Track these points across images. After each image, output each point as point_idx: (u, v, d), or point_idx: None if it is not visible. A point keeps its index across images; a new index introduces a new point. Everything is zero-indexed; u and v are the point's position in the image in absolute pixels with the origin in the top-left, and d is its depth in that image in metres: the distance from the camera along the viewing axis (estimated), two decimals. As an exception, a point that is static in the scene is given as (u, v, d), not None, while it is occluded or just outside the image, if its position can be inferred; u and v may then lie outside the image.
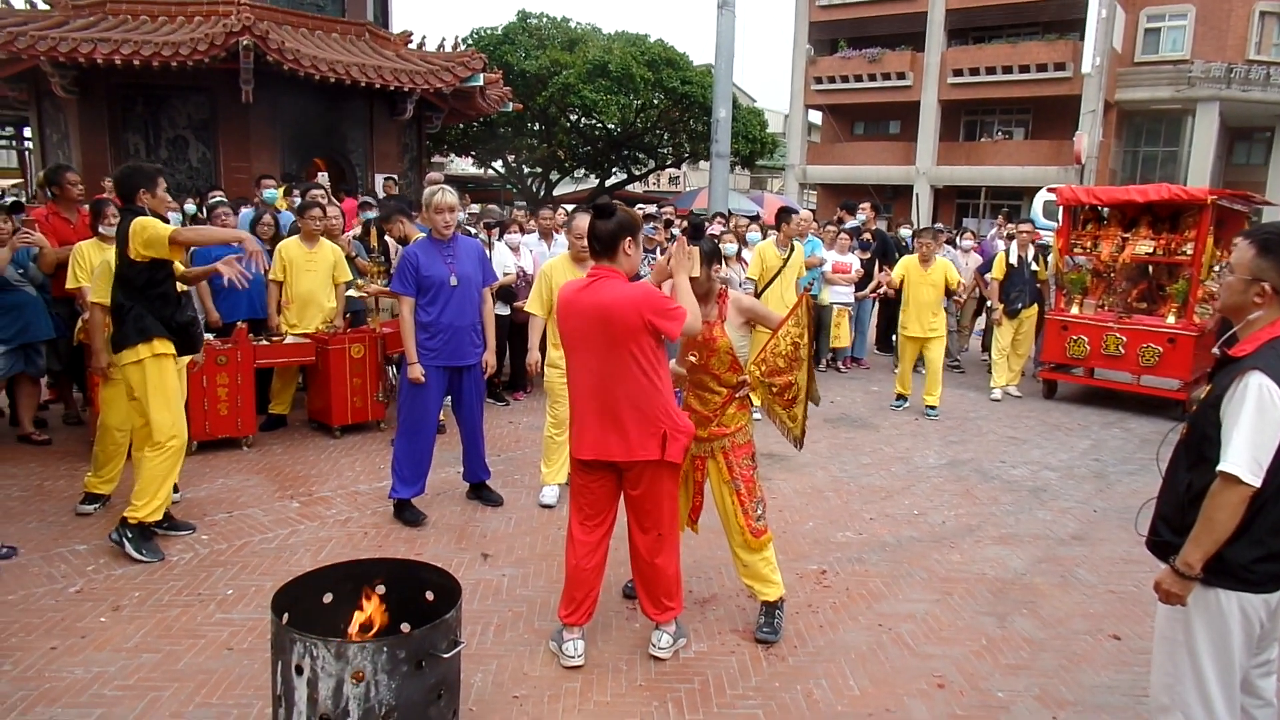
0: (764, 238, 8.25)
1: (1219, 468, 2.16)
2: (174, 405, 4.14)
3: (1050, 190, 10.23)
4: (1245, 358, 2.23)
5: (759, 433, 3.73)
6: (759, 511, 3.52)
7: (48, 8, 11.54)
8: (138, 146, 11.43)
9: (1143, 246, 7.99)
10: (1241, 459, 2.12)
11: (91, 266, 5.24)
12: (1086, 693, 3.27)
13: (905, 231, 11.10)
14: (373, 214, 8.00)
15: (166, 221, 4.09)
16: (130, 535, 4.08)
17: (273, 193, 8.38)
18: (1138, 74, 26.49)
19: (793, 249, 7.33)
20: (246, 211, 7.67)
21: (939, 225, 11.70)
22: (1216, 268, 7.64)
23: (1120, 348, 7.78)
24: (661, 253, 7.14)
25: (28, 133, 19.88)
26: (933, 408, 7.64)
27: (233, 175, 11.30)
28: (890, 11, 28.47)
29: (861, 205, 10.65)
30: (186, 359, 4.45)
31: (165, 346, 4.09)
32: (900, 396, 7.94)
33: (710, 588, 4.06)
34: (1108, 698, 3.24)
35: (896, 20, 28.53)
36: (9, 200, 6.82)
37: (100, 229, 5.23)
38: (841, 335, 9.30)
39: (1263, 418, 2.12)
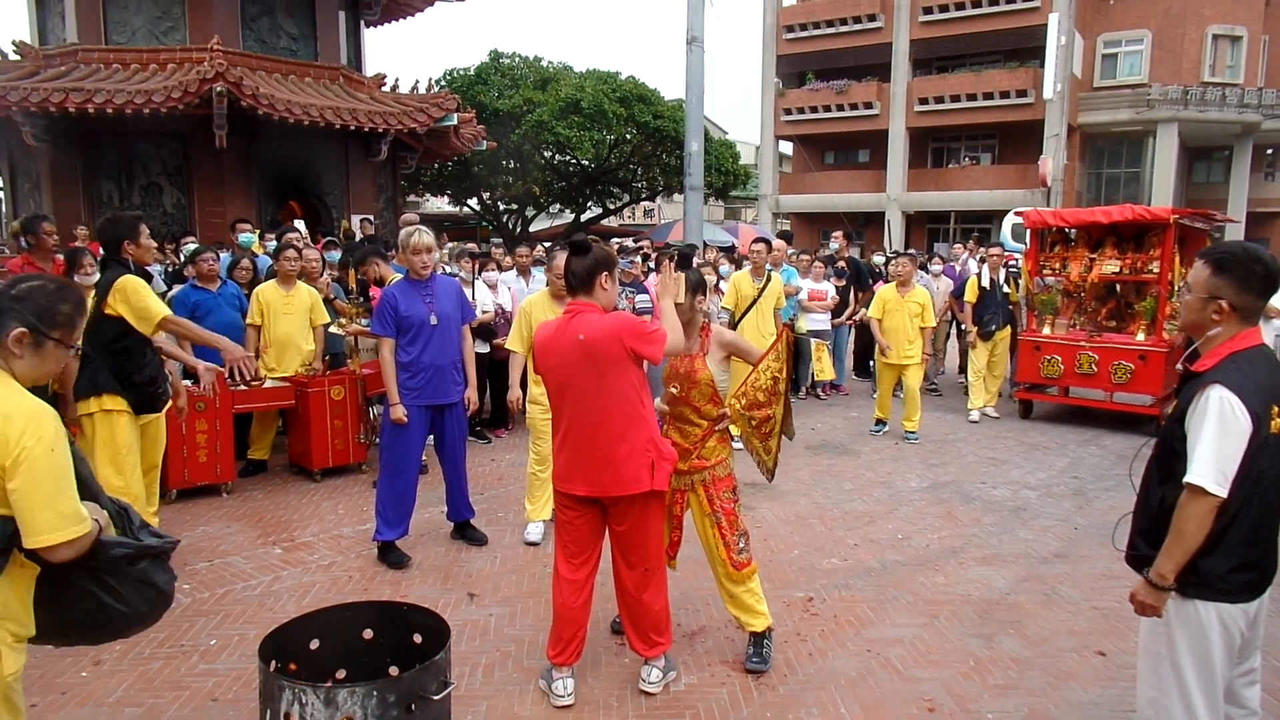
0: (737, 269, 8.35)
1: (1185, 479, 2.21)
2: (124, 464, 4.09)
3: (1017, 214, 10.43)
4: (1206, 372, 2.30)
5: (741, 462, 3.76)
6: (741, 544, 3.53)
7: (18, 58, 11.55)
8: (111, 194, 11.41)
9: (1109, 266, 8.17)
10: (1206, 470, 2.18)
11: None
12: (1075, 710, 3.30)
13: (879, 258, 11.27)
14: (337, 253, 8.00)
15: (149, 276, 4.09)
16: None
17: (249, 236, 8.39)
18: (1098, 98, 27.19)
19: (768, 279, 7.41)
20: (224, 256, 7.67)
21: (912, 250, 11.87)
22: (1179, 286, 7.81)
23: (1093, 366, 7.92)
24: (639, 285, 7.21)
25: (-2, 183, 19.76)
26: (912, 433, 7.69)
27: (208, 220, 11.30)
28: (855, 44, 29.09)
29: (834, 234, 10.81)
30: (152, 416, 4.39)
31: (115, 403, 4.07)
32: (879, 421, 7.99)
33: (698, 620, 4.06)
34: (1095, 714, 3.27)
35: (862, 52, 29.15)
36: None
37: (75, 278, 5.21)
38: (825, 369, 9.36)
39: (1225, 429, 2.18)
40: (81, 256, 5.26)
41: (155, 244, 5.19)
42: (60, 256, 6.10)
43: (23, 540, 1.97)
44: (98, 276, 4.38)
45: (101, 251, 4.33)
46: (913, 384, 7.68)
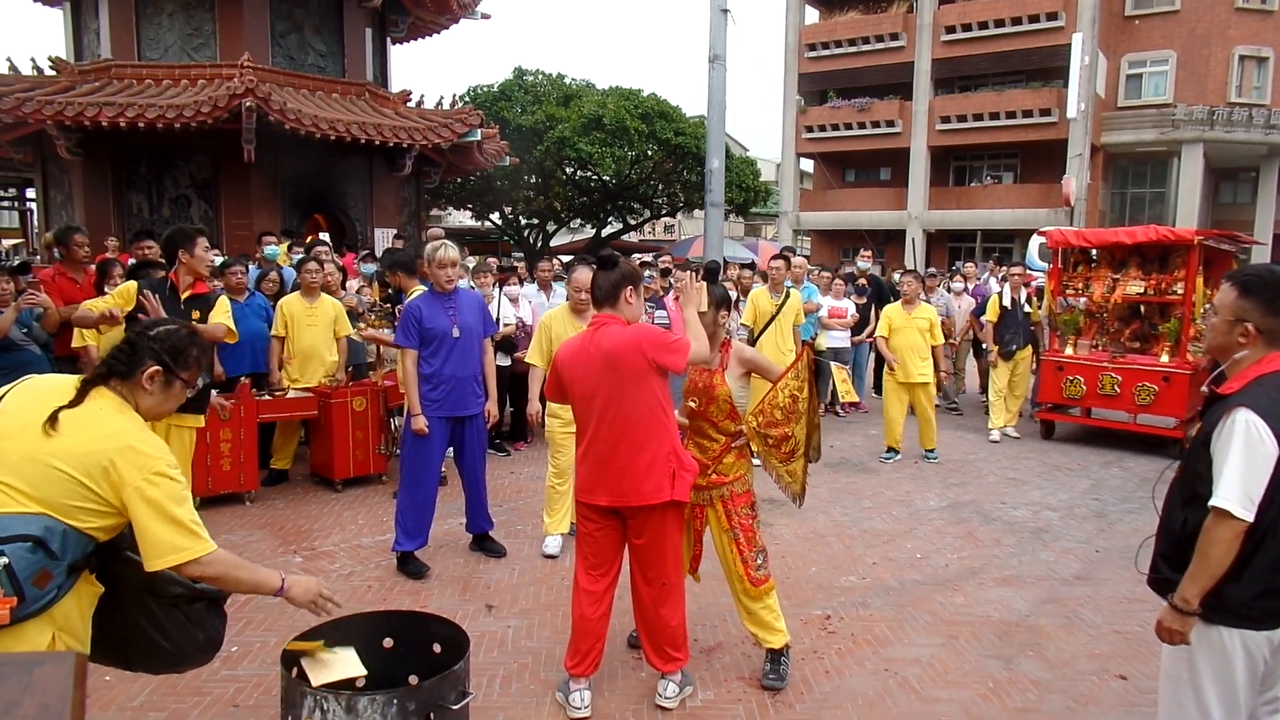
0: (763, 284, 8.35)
1: (1210, 503, 2.20)
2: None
3: (1041, 233, 10.39)
4: (1232, 395, 2.28)
5: (760, 478, 3.76)
6: (759, 561, 3.53)
7: (54, 73, 11.81)
8: (140, 206, 11.63)
9: (1133, 287, 8.12)
10: (1232, 494, 2.16)
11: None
12: (1095, 735, 3.26)
13: (899, 276, 11.24)
14: (372, 266, 8.10)
15: (205, 277, 4.17)
16: None
17: (274, 249, 8.50)
18: (1122, 118, 27.04)
19: (787, 295, 7.42)
20: (252, 269, 7.78)
21: (932, 269, 11.83)
22: (1203, 308, 7.75)
23: (1116, 387, 7.85)
24: (660, 301, 7.25)
25: (30, 194, 20.18)
26: (932, 451, 7.62)
27: (234, 233, 11.48)
28: (877, 62, 29.12)
29: (863, 252, 10.80)
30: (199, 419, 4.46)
31: None
32: (890, 449, 7.65)
33: (715, 635, 4.05)
34: (1117, 739, 3.23)
35: (884, 70, 29.16)
36: (16, 261, 6.93)
37: (105, 289, 5.31)
38: (849, 391, 9.23)
39: (1251, 453, 2.17)
40: (113, 267, 5.36)
41: (212, 258, 5.27)
42: (93, 268, 6.22)
43: (145, 564, 2.08)
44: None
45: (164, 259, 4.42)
46: (925, 405, 7.50)
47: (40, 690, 1.01)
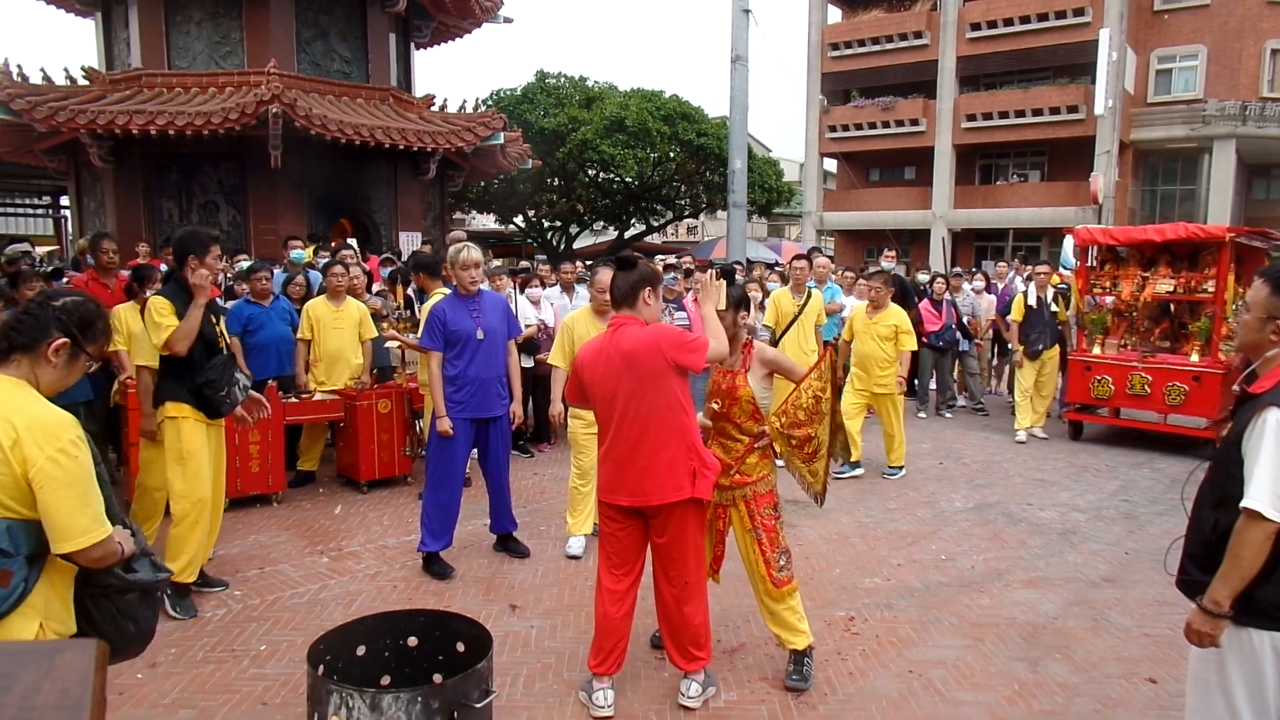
0: (784, 284, 8.32)
1: (1242, 504, 2.16)
2: (186, 469, 4.20)
3: (1066, 231, 10.27)
4: (1265, 394, 2.25)
5: (784, 479, 3.75)
6: (782, 562, 3.52)
7: (87, 83, 12.04)
8: (171, 212, 11.82)
9: (1163, 285, 8.00)
10: (1264, 495, 2.13)
11: (128, 330, 5.41)
12: (1124, 738, 3.22)
13: (923, 276, 11.17)
14: (388, 270, 8.18)
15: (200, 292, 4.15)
16: (168, 593, 4.16)
17: (300, 253, 8.61)
18: (1151, 114, 26.62)
19: (809, 296, 7.38)
20: (278, 273, 7.89)
21: (957, 269, 11.72)
22: (1234, 305, 7.63)
23: (1145, 387, 7.74)
24: (679, 302, 7.24)
25: (64, 201, 20.59)
26: (895, 468, 7.01)
27: (261, 237, 11.64)
28: (901, 61, 28.88)
29: (887, 252, 10.74)
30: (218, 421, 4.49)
31: (178, 409, 4.19)
32: (851, 463, 6.82)
33: (739, 636, 4.05)
34: (1146, 743, 3.19)
35: (908, 69, 28.93)
36: (50, 268, 7.07)
37: (147, 294, 5.41)
38: None
39: (1284, 453, 2.13)
40: (153, 273, 5.46)
41: (222, 266, 5.33)
42: (124, 273, 6.33)
43: (53, 547, 2.01)
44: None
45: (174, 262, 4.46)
46: (889, 416, 6.91)
47: (61, 676, 1.03)
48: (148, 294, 5.41)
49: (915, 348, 7.06)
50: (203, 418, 4.24)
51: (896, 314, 6.91)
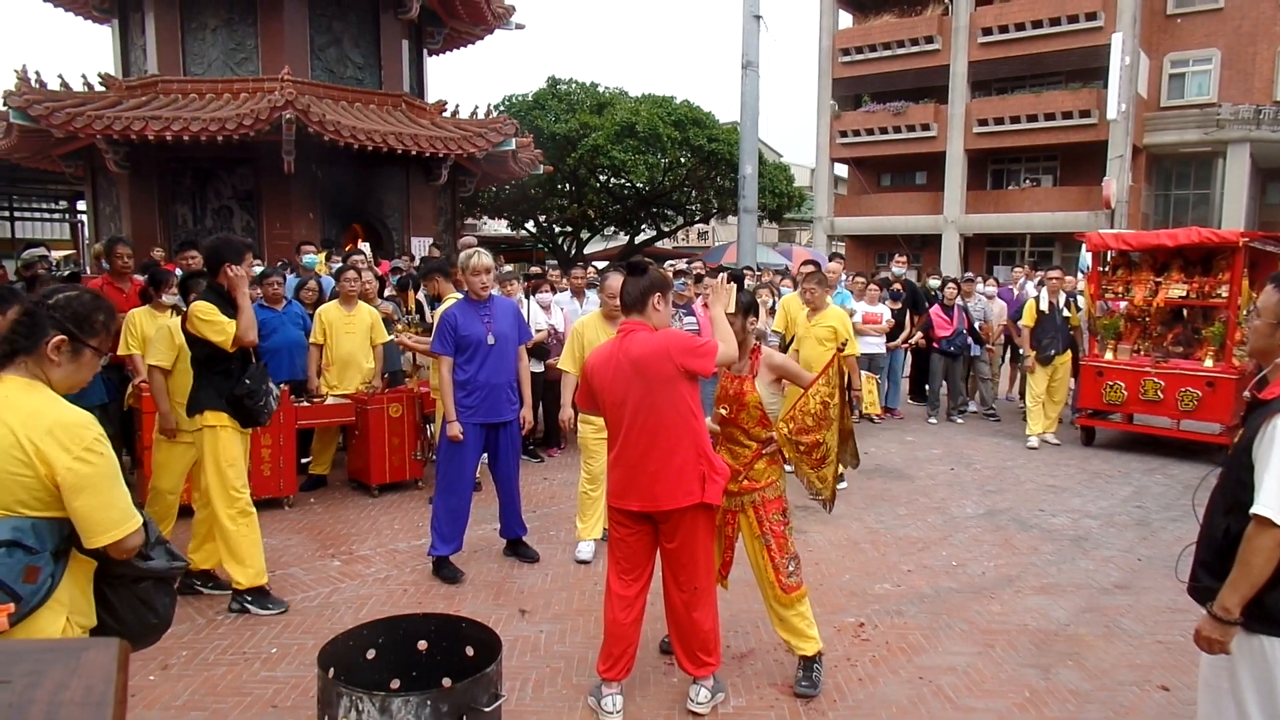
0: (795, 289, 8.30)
1: (1252, 510, 2.15)
2: (227, 478, 4.23)
3: (1078, 236, 10.23)
4: (1275, 400, 2.24)
5: (793, 485, 3.75)
6: (791, 568, 3.52)
7: (104, 89, 12.16)
8: (185, 217, 11.93)
9: (1176, 290, 7.96)
10: (1274, 501, 2.12)
11: (143, 334, 5.46)
12: (1136, 746, 3.20)
13: (934, 281, 11.15)
14: (397, 276, 8.22)
15: (234, 302, 4.13)
16: (250, 599, 4.27)
17: (312, 258, 8.66)
18: (1165, 118, 26.48)
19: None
20: (291, 278, 7.94)
21: (969, 274, 11.68)
22: (1246, 310, 7.58)
23: (1158, 392, 7.69)
24: (689, 307, 7.25)
25: (80, 205, 20.79)
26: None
27: (275, 242, 11.72)
28: (912, 66, 28.84)
29: (898, 257, 10.73)
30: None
31: (217, 418, 4.20)
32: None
33: (748, 642, 4.05)
34: (1158, 751, 3.17)
35: (919, 74, 28.87)
36: (66, 272, 7.14)
37: (163, 297, 5.47)
38: (873, 402, 9.09)
39: (1294, 460, 2.12)
40: (170, 278, 5.51)
41: (253, 275, 5.35)
42: (139, 278, 6.38)
43: (86, 542, 2.04)
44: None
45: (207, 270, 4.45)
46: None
47: (87, 673, 1.08)
48: (164, 297, 5.48)
49: (858, 352, 6.74)
50: (238, 426, 4.27)
51: (835, 315, 6.63)
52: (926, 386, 10.21)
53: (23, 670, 1.08)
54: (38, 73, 11.28)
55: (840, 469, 3.74)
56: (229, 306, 4.11)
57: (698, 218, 29.70)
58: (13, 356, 2.10)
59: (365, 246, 10.18)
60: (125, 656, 1.12)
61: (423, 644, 2.83)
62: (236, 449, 4.28)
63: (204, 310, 4.09)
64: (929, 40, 28.27)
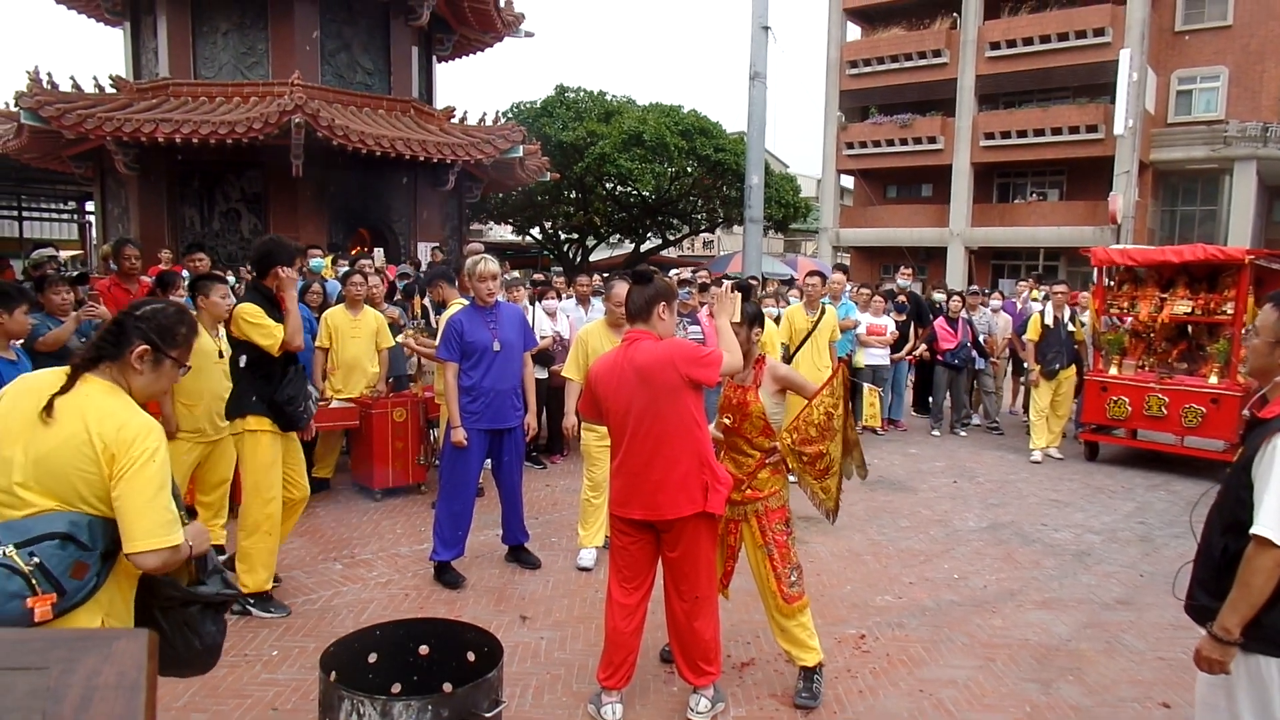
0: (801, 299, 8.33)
1: (1252, 530, 2.16)
2: (261, 483, 4.24)
3: (1083, 251, 10.23)
4: (1275, 419, 2.24)
5: (796, 495, 3.76)
6: (793, 578, 3.52)
7: (114, 91, 12.24)
8: (193, 219, 11.99)
9: (1181, 306, 7.96)
10: (1274, 521, 2.12)
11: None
12: (1135, 763, 3.19)
13: (939, 295, 11.15)
14: (407, 283, 8.25)
15: (282, 304, 4.10)
16: (253, 602, 4.28)
17: (319, 262, 8.69)
18: (1172, 134, 26.48)
19: (823, 312, 7.39)
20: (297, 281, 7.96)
21: (974, 287, 11.69)
22: (1246, 329, 7.58)
23: (1162, 409, 7.69)
24: (693, 316, 7.27)
25: (89, 206, 20.89)
26: None
27: (282, 246, 11.73)
28: (919, 79, 28.88)
29: (903, 269, 10.74)
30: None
31: (259, 423, 4.20)
32: None
33: (749, 652, 4.05)
34: (1158, 769, 3.16)
35: (926, 87, 28.92)
36: (75, 273, 7.18)
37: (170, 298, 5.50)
38: (877, 414, 9.11)
39: (1294, 479, 2.12)
40: (177, 279, 5.54)
41: (299, 278, 5.34)
42: (146, 280, 6.42)
43: (123, 545, 2.07)
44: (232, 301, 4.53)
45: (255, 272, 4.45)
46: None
47: (118, 660, 1.14)
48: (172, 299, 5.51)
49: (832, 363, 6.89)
50: (279, 430, 4.27)
51: (829, 314, 6.90)
52: (930, 399, 10.21)
53: (58, 657, 1.13)
54: (49, 74, 11.36)
55: (849, 479, 3.74)
56: (274, 309, 4.09)
57: (703, 227, 29.74)
58: (98, 361, 2.17)
59: (378, 252, 10.21)
60: (154, 646, 1.17)
61: (424, 649, 2.84)
62: (274, 454, 4.27)
63: (251, 313, 4.06)
64: (937, 53, 28.31)
